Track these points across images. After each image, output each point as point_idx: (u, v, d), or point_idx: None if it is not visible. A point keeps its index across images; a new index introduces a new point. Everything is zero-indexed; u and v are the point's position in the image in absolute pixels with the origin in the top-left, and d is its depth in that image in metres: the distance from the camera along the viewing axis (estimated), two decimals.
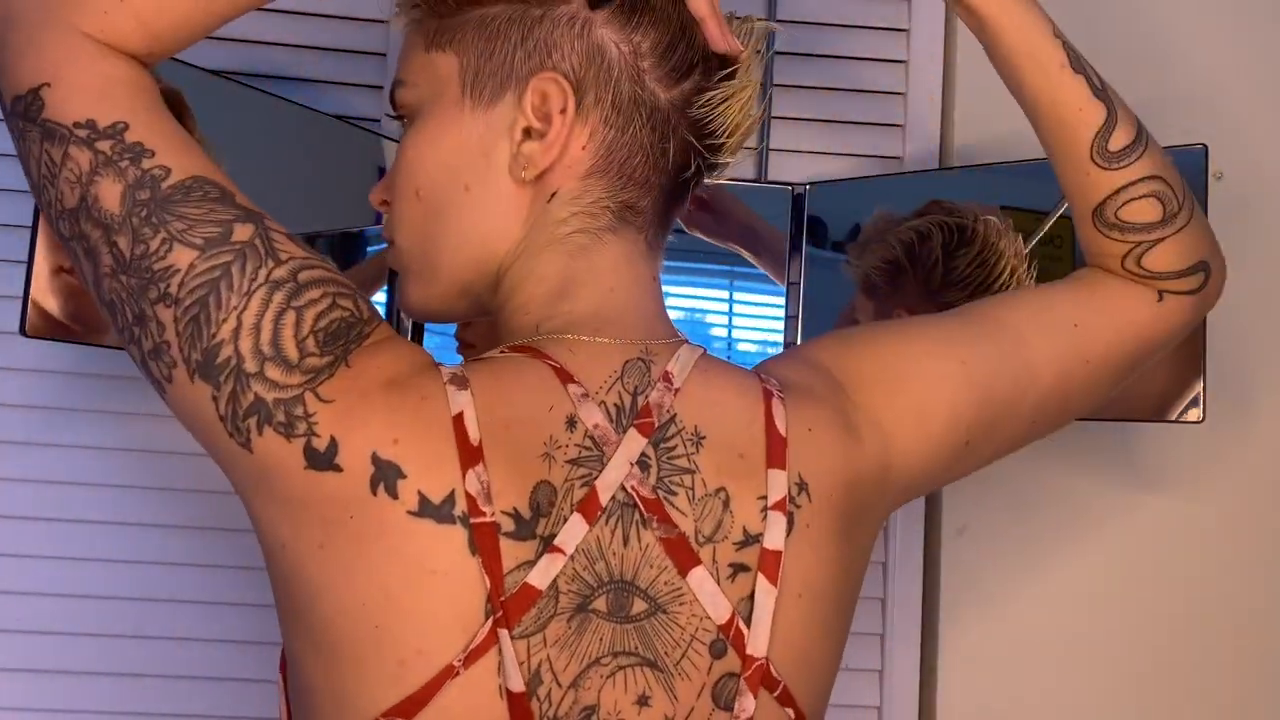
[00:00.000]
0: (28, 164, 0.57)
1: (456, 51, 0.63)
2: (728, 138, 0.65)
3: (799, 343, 1.07)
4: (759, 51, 0.66)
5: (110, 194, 0.54)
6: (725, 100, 0.64)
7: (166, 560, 1.02)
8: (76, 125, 0.55)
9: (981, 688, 1.10)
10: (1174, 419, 0.97)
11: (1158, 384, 0.99)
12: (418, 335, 1.03)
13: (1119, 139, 0.71)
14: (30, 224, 0.86)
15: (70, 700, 1.00)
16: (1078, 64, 0.71)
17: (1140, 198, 0.71)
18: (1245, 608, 1.11)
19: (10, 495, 1.01)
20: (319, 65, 1.06)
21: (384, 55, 1.07)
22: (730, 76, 0.64)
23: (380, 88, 1.06)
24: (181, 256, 0.54)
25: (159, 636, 1.01)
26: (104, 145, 0.55)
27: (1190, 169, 0.97)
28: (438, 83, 0.64)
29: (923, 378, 0.67)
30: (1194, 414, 0.96)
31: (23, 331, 0.85)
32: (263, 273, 0.54)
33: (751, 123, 0.66)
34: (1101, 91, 0.71)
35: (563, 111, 0.61)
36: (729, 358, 1.10)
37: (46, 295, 0.85)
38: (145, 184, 0.54)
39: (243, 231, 0.55)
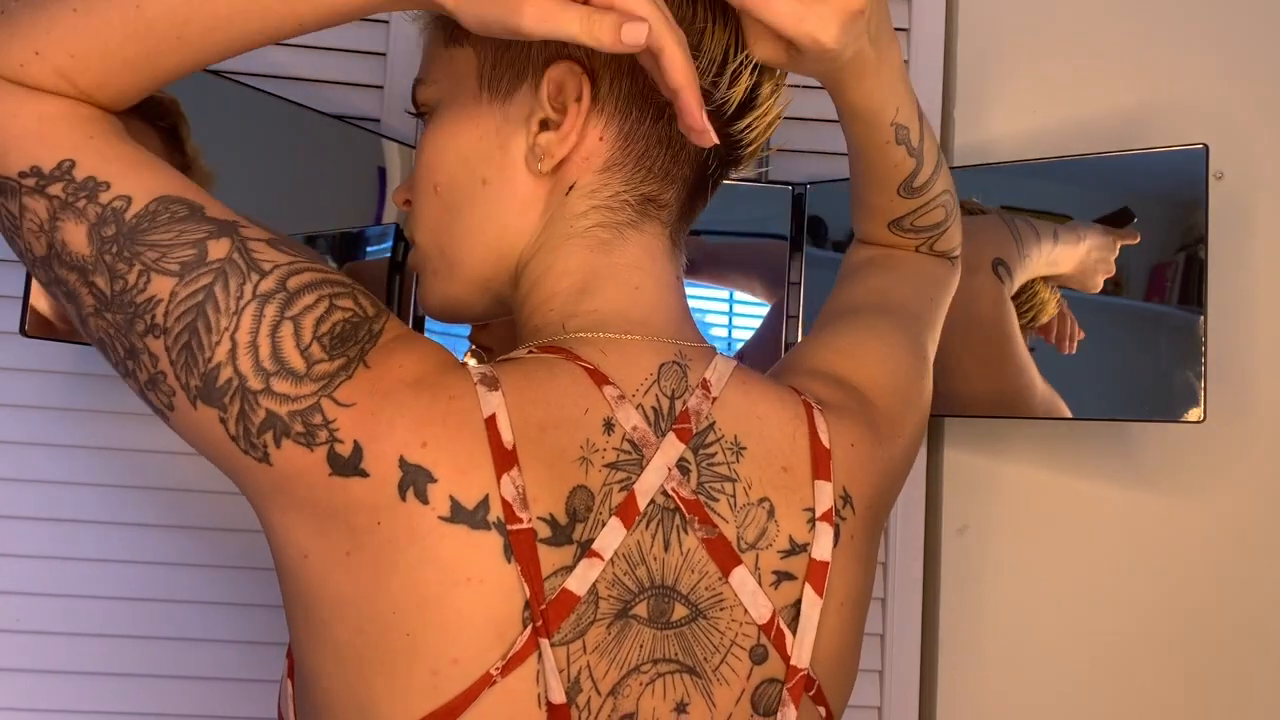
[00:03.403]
0: None
1: (473, 45, 0.62)
2: (751, 141, 0.64)
3: (799, 343, 1.07)
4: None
5: (76, 237, 0.52)
6: (751, 112, 0.63)
7: (166, 560, 1.02)
8: (22, 175, 0.52)
9: (981, 688, 1.10)
10: (1174, 419, 0.98)
11: (1158, 384, 0.99)
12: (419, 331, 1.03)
13: (922, 176, 0.76)
14: None
15: (70, 700, 1.00)
16: (901, 135, 0.73)
17: (933, 209, 0.79)
18: (1245, 607, 1.11)
19: (10, 495, 1.01)
20: (319, 65, 1.06)
21: (384, 55, 1.07)
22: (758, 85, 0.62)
23: (380, 88, 1.06)
24: (161, 286, 0.51)
25: (159, 636, 1.01)
26: (56, 189, 0.52)
27: (1190, 169, 0.97)
28: (456, 78, 0.63)
29: (918, 378, 0.73)
30: (1194, 414, 0.96)
31: (23, 331, 0.85)
32: (248, 288, 0.52)
33: (775, 116, 0.65)
34: (916, 150, 0.75)
35: (578, 100, 0.60)
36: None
37: (38, 296, 0.85)
38: (108, 219, 0.52)
39: (218, 248, 0.52)
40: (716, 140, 0.57)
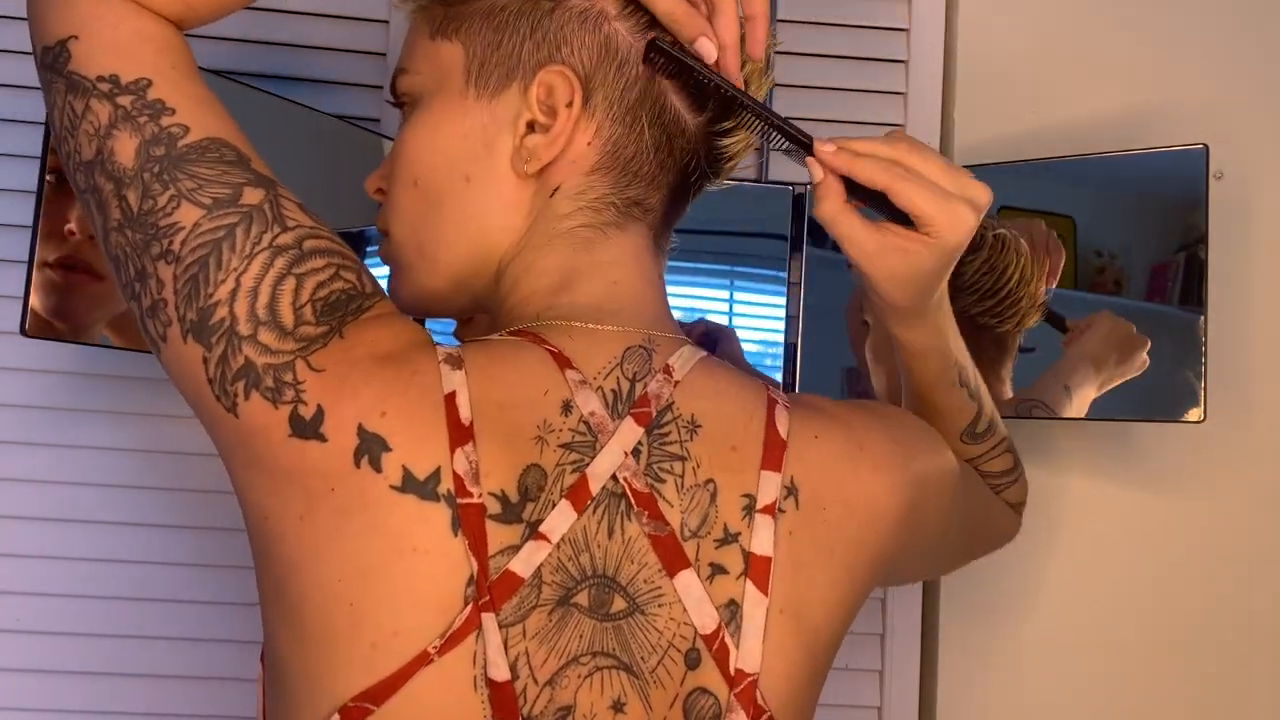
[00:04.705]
0: (52, 114, 0.57)
1: (462, 40, 0.62)
2: (732, 156, 0.66)
3: (799, 343, 1.07)
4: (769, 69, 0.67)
5: (125, 148, 0.54)
6: (734, 125, 0.65)
7: (166, 560, 1.02)
8: (100, 79, 0.55)
9: (981, 688, 1.10)
10: (1174, 419, 0.98)
11: (1158, 384, 0.99)
12: None
13: (983, 422, 0.79)
14: (30, 224, 0.86)
15: (70, 700, 1.00)
16: (962, 378, 0.76)
17: (997, 456, 0.81)
18: (1245, 607, 1.11)
19: (10, 495, 1.01)
20: (319, 65, 1.06)
21: (384, 55, 1.07)
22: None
23: (380, 88, 1.06)
24: (187, 214, 0.53)
25: (158, 636, 1.01)
26: (124, 100, 0.54)
27: (1190, 169, 0.97)
28: (441, 71, 0.63)
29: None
30: (1194, 414, 0.96)
31: (23, 331, 0.85)
32: (267, 237, 0.53)
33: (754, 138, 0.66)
34: (975, 393, 0.77)
35: (569, 105, 0.60)
36: None
37: (38, 296, 0.85)
38: (161, 140, 0.54)
39: (252, 195, 0.54)
40: (741, 87, 0.62)
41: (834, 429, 0.62)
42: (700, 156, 0.65)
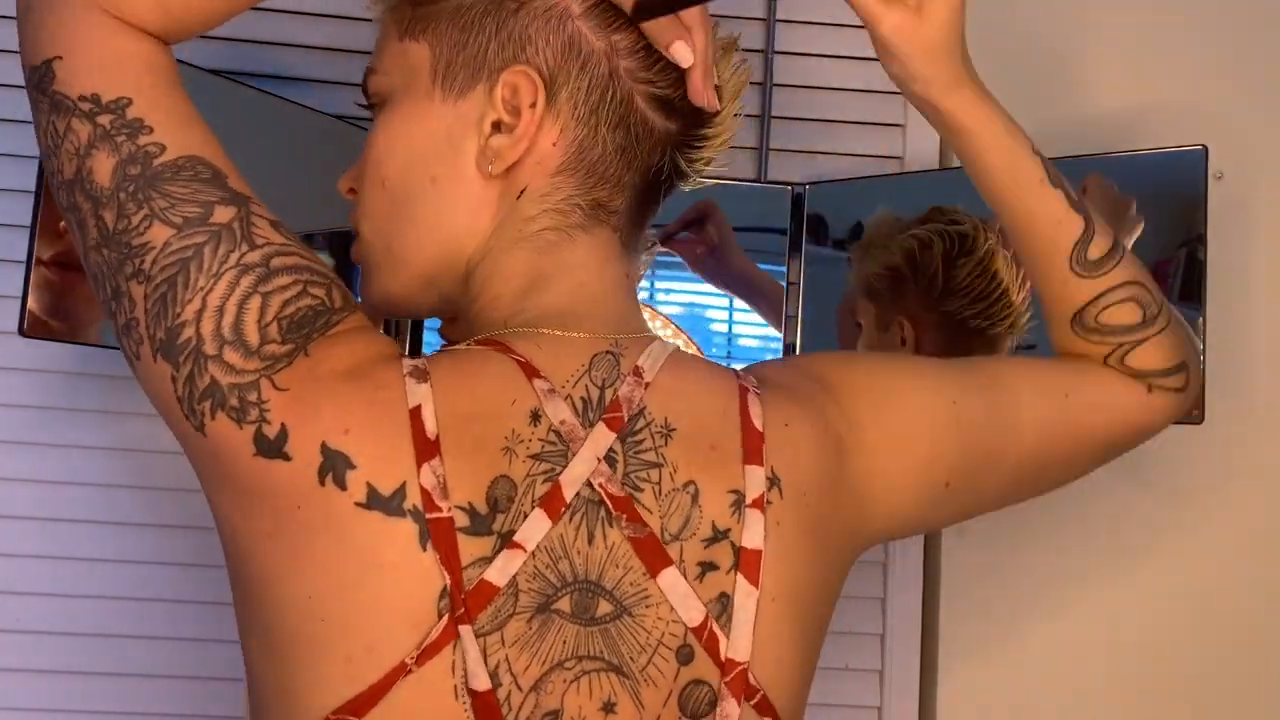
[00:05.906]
0: (38, 133, 0.58)
1: (429, 41, 0.62)
2: (704, 151, 0.66)
3: (799, 343, 1.07)
4: (743, 77, 0.67)
5: (103, 168, 0.54)
6: (708, 141, 0.65)
7: (164, 560, 1.02)
8: (81, 98, 0.55)
9: (981, 688, 1.10)
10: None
11: None
12: (416, 334, 1.03)
13: (1097, 248, 0.71)
14: (30, 224, 0.86)
15: (70, 700, 1.00)
16: (1055, 179, 0.71)
17: (1120, 302, 0.71)
18: (1245, 608, 1.11)
19: (10, 495, 1.01)
20: (319, 65, 1.06)
21: None
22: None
23: None
24: (158, 234, 0.53)
25: (158, 636, 1.01)
26: (104, 119, 0.55)
27: (1190, 169, 0.97)
28: (409, 72, 0.63)
29: (911, 404, 0.66)
30: (1194, 414, 0.96)
31: (22, 331, 0.85)
32: (234, 256, 0.53)
33: (729, 136, 0.66)
34: (1078, 204, 0.71)
35: (532, 105, 0.60)
36: (729, 357, 1.10)
37: (36, 296, 0.85)
38: (137, 159, 0.54)
39: (223, 214, 0.54)
40: (718, 107, 0.63)
41: (803, 412, 0.62)
42: (668, 156, 0.65)
